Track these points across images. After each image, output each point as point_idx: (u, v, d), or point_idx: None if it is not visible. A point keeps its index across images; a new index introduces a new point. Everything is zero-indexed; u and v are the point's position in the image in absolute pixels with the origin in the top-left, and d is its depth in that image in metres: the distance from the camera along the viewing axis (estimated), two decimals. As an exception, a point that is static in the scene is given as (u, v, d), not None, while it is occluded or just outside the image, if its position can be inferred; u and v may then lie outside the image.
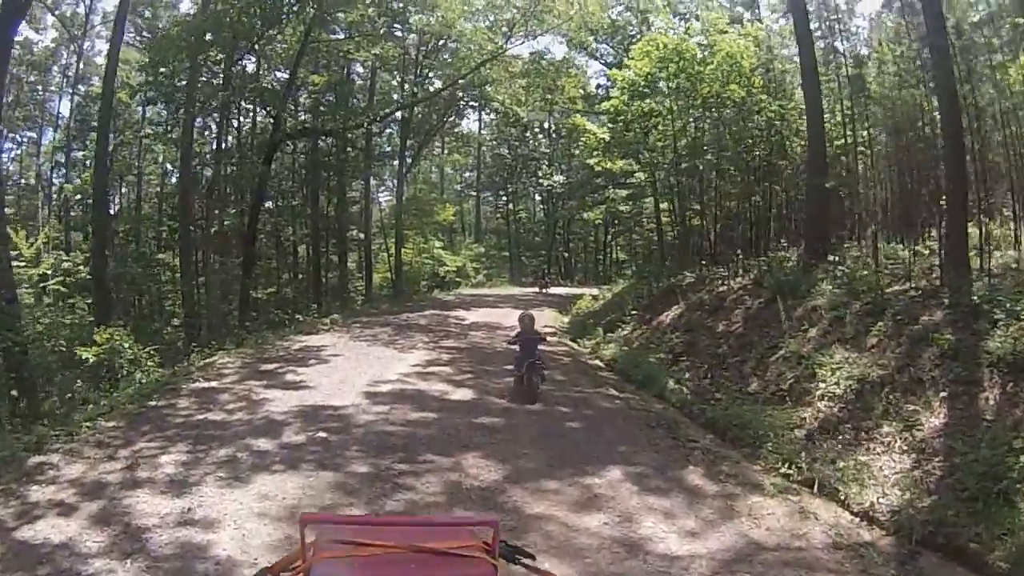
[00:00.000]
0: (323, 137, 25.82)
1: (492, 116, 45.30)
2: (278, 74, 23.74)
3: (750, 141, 17.21)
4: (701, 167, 17.27)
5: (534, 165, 43.34)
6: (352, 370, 10.14)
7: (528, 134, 43.36)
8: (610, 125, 18.55)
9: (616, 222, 37.77)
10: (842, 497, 5.47)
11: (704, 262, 16.64)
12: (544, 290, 30.41)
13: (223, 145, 23.71)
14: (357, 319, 18.46)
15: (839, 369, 7.64)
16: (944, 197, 9.71)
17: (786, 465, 6.19)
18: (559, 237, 51.28)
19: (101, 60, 27.39)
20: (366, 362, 10.96)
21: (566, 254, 52.66)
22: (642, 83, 17.47)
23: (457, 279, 35.87)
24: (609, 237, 56.51)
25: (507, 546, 1.72)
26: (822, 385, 7.54)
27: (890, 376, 6.94)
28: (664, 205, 21.65)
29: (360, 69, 28.25)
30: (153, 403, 8.17)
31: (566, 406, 8.40)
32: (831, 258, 12.26)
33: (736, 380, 9.46)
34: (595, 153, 19.61)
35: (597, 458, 6.25)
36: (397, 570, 1.55)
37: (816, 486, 5.76)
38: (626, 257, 58.95)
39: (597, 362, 12.91)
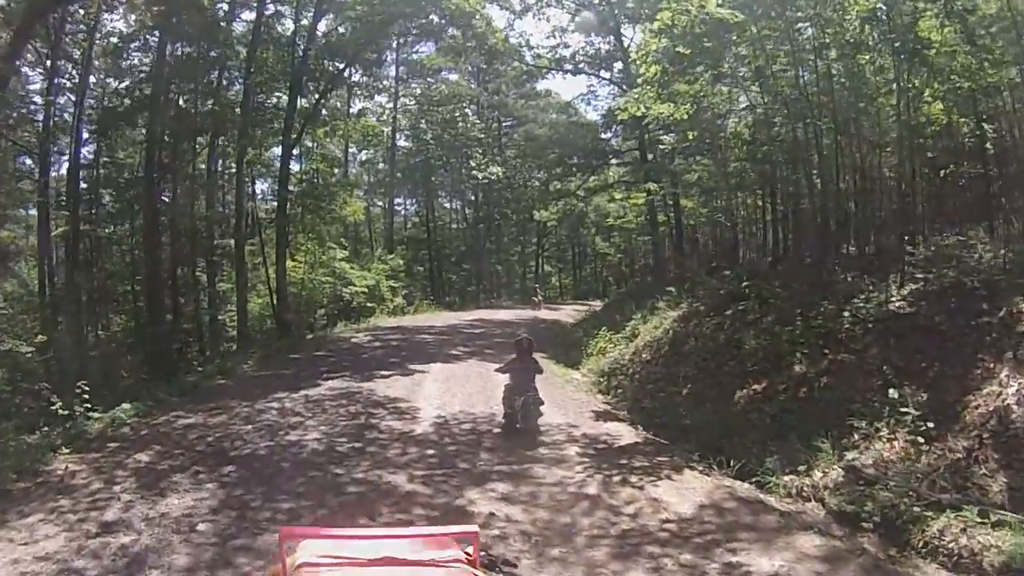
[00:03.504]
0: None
1: (413, 86, 35.34)
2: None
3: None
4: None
5: (464, 154, 33.57)
6: None
7: (458, 114, 33.58)
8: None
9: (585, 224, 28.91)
10: None
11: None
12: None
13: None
14: (170, 416, 8.05)
15: None
16: None
17: None
18: (491, 246, 41.78)
19: None
20: None
21: (499, 267, 43.25)
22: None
23: (369, 304, 25.50)
24: (542, 248, 48.01)
25: (488, 556, 1.77)
26: None
27: None
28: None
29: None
30: None
31: None
32: None
33: None
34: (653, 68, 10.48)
35: None
36: None
37: None
38: (551, 270, 50.95)
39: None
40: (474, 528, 1.76)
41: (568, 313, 27.40)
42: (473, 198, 40.54)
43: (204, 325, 19.64)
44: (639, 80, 12.11)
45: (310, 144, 22.13)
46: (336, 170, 23.40)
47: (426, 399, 9.07)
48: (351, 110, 26.09)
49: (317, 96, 19.47)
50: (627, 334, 13.70)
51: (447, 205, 44.23)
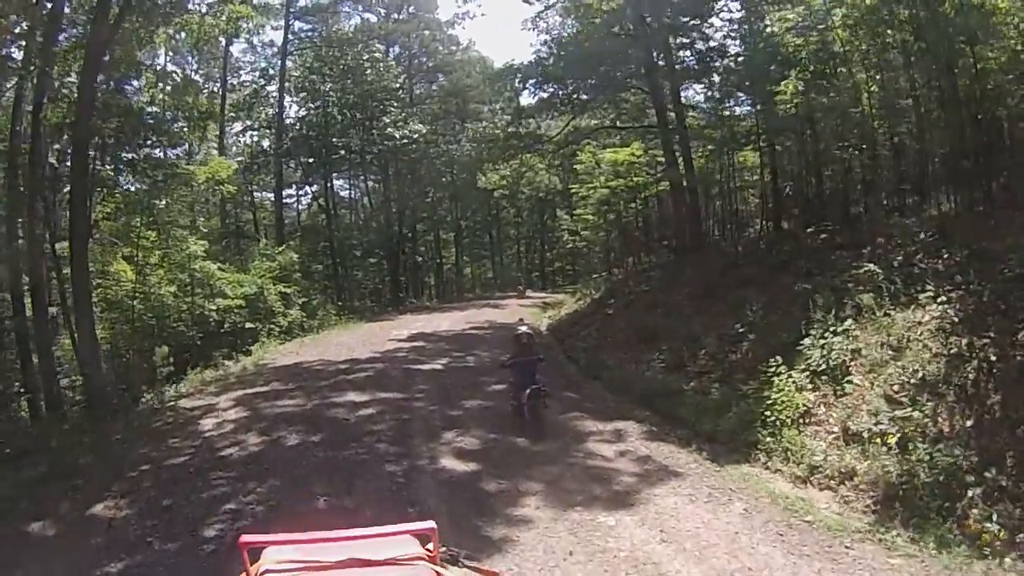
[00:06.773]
0: None
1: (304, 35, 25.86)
2: None
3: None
4: None
5: (376, 110, 24.71)
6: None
7: (366, 57, 24.62)
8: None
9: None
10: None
11: None
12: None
13: None
14: None
15: None
16: None
17: None
18: (408, 235, 33.19)
19: None
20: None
21: (418, 258, 34.84)
22: None
23: (251, 323, 16.69)
24: (462, 236, 39.87)
25: (449, 551, 1.69)
26: None
27: None
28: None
29: None
30: None
31: None
32: None
33: None
34: None
35: None
36: None
37: None
38: (467, 259, 43.14)
39: None
40: (431, 524, 1.67)
41: (516, 311, 19.54)
42: (379, 177, 31.66)
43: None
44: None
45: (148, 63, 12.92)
46: (196, 100, 13.81)
47: None
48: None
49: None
50: (816, 368, 6.70)
51: (345, 193, 34.88)
